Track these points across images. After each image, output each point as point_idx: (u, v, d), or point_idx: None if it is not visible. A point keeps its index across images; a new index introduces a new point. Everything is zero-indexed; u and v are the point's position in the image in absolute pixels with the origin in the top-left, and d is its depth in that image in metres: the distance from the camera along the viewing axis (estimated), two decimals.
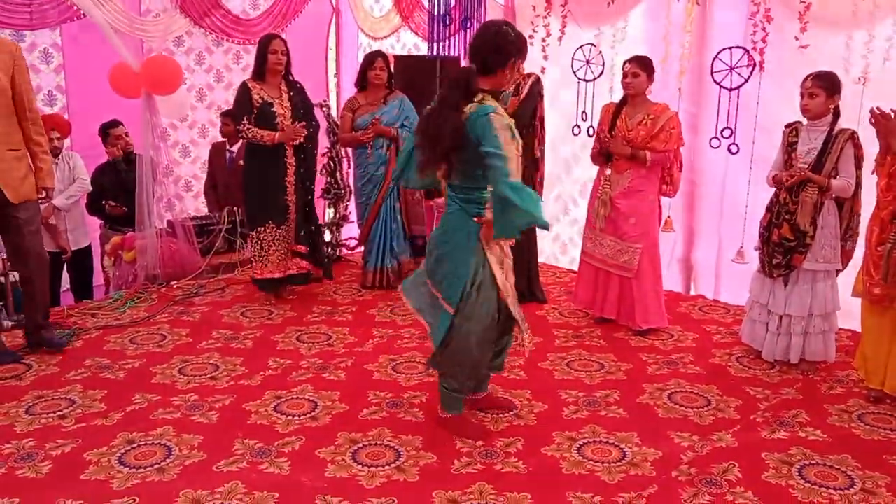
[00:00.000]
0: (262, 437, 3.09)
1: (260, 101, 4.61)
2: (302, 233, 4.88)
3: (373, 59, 5.11)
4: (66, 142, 5.32)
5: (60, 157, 5.13)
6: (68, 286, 5.45)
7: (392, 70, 5.14)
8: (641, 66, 4.18)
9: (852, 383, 3.68)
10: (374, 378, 3.73)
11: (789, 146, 3.77)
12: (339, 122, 5.98)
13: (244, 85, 4.67)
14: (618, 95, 4.97)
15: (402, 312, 4.77)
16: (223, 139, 5.92)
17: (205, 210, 6.18)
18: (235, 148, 5.78)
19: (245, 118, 4.59)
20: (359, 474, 2.81)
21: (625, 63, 4.26)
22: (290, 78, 4.78)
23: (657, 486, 2.75)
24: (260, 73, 4.66)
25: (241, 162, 5.13)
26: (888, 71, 3.94)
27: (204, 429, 3.16)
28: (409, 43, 7.17)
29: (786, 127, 3.85)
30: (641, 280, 4.31)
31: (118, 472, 2.80)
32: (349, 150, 5.78)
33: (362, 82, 5.16)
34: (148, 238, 5.16)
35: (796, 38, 4.26)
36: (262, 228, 4.76)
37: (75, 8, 4.88)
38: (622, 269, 4.34)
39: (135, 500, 2.61)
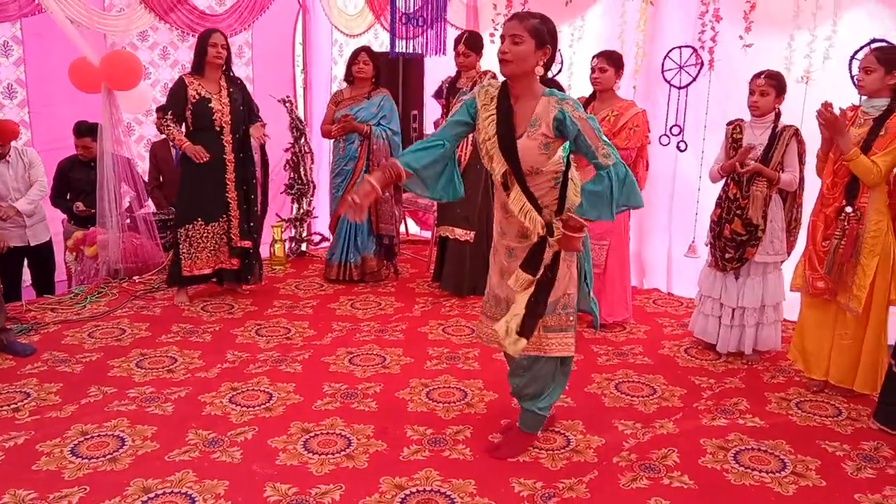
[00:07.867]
0: (216, 427, 3.14)
1: (196, 96, 4.53)
2: (247, 226, 4.82)
3: (357, 53, 5.19)
4: (25, 137, 5.28)
5: (11, 155, 4.93)
6: (30, 282, 5.42)
7: (377, 65, 5.16)
8: (609, 61, 4.14)
9: (794, 372, 3.80)
10: (331, 370, 3.79)
11: (734, 142, 3.87)
12: (302, 119, 6.08)
13: (180, 79, 4.58)
14: (575, 92, 5.06)
15: (363, 306, 4.83)
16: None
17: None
18: None
19: (170, 112, 4.51)
20: (309, 462, 2.87)
21: (593, 58, 4.21)
22: (231, 73, 4.74)
23: (598, 471, 2.84)
24: (198, 67, 4.59)
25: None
26: (828, 70, 4.06)
27: (158, 420, 3.20)
28: (388, 40, 7.16)
29: (728, 124, 3.95)
30: (608, 276, 4.36)
31: (70, 462, 2.84)
32: (311, 144, 5.86)
33: (348, 76, 5.23)
34: (110, 233, 5.16)
35: (740, 38, 4.36)
36: (191, 225, 4.68)
37: (36, 1, 4.85)
38: None
39: (85, 489, 2.65)
